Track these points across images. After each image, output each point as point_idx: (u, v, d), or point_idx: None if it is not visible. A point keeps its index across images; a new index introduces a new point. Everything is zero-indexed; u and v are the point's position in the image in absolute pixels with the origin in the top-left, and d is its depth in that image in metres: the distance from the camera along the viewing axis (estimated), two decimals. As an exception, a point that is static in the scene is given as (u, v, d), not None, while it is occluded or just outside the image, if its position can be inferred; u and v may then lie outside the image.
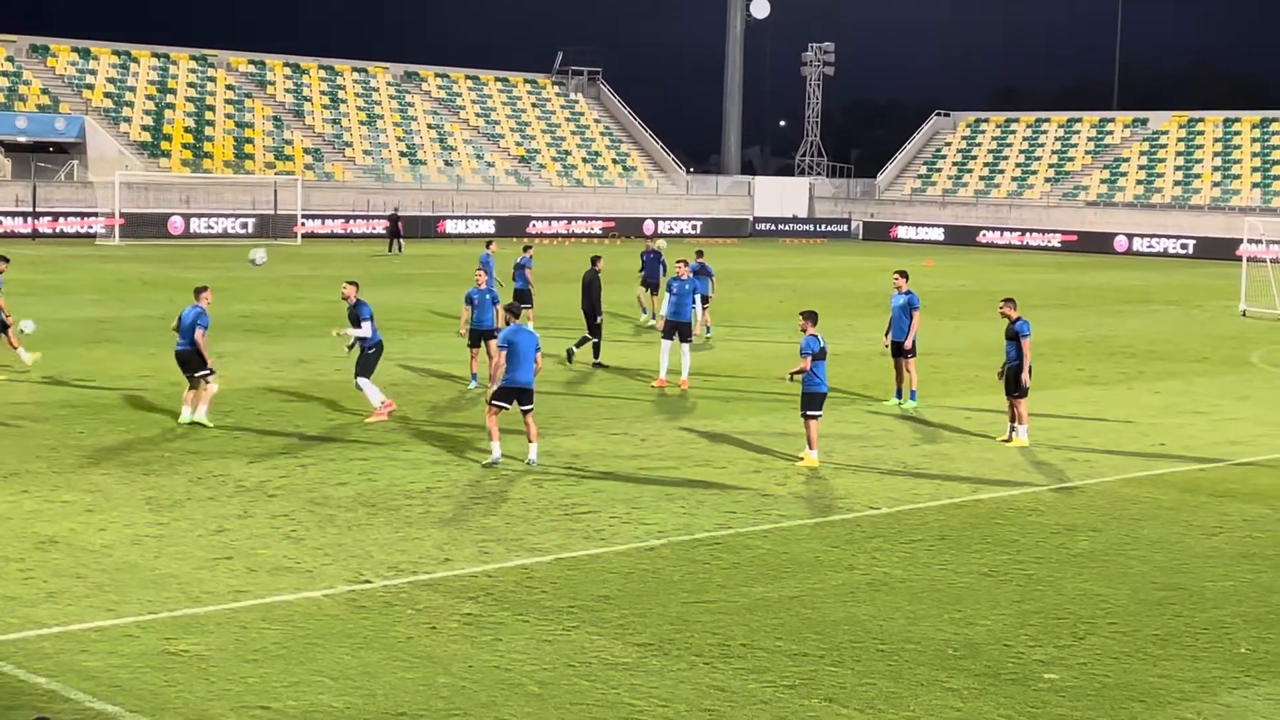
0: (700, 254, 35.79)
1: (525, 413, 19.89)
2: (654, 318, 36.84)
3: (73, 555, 15.27)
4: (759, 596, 14.46)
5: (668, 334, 27.52)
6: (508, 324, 20.28)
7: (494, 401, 19.81)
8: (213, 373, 22.58)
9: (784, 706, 11.63)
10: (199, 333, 22.19)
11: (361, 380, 23.24)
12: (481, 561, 15.43)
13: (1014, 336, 22.65)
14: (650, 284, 37.65)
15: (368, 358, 23.20)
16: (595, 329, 29.98)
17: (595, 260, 31.05)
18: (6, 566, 14.79)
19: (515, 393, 19.72)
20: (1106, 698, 11.96)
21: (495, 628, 13.28)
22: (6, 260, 27.85)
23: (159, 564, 15.04)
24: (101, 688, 11.57)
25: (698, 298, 29.93)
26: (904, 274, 26.12)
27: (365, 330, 22.97)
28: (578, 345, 30.25)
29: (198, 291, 22.88)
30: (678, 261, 29.12)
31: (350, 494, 18.29)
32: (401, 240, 68.00)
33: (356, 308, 23.09)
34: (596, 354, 30.03)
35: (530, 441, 20.11)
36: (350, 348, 23.52)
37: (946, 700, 11.81)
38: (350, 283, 23.60)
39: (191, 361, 22.37)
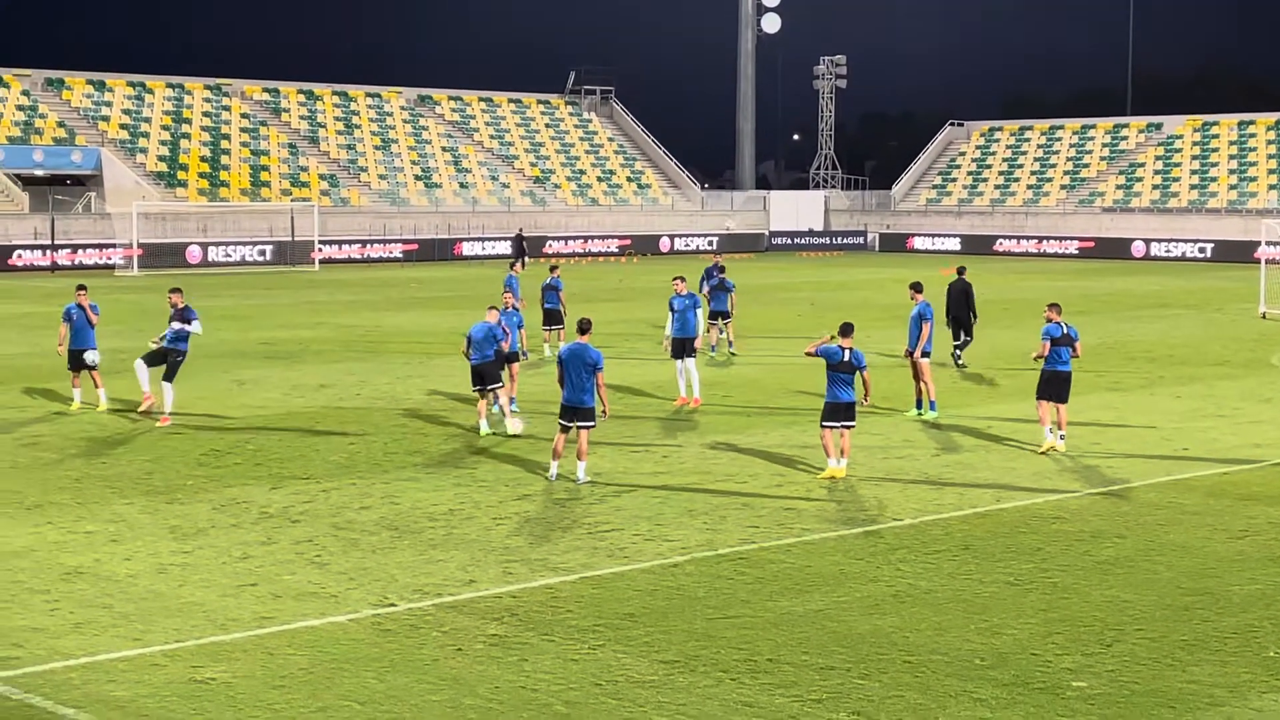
0: (722, 269, 35.90)
1: (581, 430, 20.16)
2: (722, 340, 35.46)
3: (98, 585, 15.32)
4: (784, 611, 14.44)
5: (676, 353, 27.36)
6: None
7: (559, 420, 20.28)
8: (503, 384, 24.47)
9: (812, 721, 11.60)
10: (503, 344, 24.47)
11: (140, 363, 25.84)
12: (506, 582, 15.43)
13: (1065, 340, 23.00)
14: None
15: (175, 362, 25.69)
16: (969, 332, 33.12)
17: (961, 270, 34.33)
18: (32, 598, 14.84)
19: (570, 411, 20.04)
20: (1136, 705, 11.91)
21: (521, 648, 13.28)
22: (84, 289, 28.02)
23: (184, 592, 15.08)
24: (130, 717, 11.59)
25: (699, 312, 28.93)
26: (916, 286, 26.36)
27: (196, 328, 25.97)
28: (960, 348, 33.28)
29: (491, 310, 24.81)
30: (674, 279, 28.80)
31: (374, 518, 18.31)
32: (526, 258, 65.82)
33: (184, 311, 25.87)
34: (958, 358, 32.99)
35: (579, 460, 20.32)
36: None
37: (975, 711, 11.77)
38: (175, 290, 26.44)
39: (488, 374, 23.94)
